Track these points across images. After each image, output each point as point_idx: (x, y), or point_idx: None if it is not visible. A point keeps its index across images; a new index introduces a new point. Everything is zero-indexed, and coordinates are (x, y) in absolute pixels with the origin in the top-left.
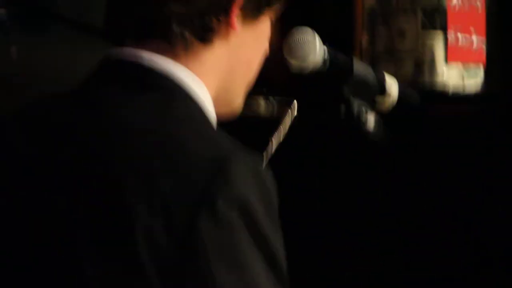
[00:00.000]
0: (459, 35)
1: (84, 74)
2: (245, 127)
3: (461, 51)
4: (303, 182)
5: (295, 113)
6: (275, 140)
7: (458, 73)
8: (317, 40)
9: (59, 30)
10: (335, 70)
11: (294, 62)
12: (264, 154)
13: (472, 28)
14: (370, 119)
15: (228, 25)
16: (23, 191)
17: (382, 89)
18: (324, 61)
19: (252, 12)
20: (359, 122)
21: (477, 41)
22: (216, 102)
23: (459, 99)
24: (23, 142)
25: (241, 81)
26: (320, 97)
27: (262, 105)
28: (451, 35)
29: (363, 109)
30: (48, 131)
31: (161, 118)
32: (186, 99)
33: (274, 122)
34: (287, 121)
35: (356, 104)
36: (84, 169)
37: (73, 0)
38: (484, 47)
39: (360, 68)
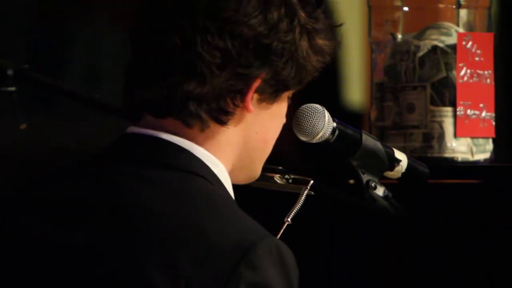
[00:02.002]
0: (468, 110)
1: (95, 148)
2: (261, 202)
3: (470, 126)
4: (311, 255)
5: (312, 192)
6: (289, 219)
7: (467, 147)
8: (326, 115)
9: (67, 106)
10: (344, 143)
11: (303, 138)
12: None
13: (481, 104)
14: (379, 193)
15: (244, 107)
16: (40, 273)
17: (391, 163)
18: (333, 134)
19: (269, 95)
20: (367, 195)
21: (486, 116)
22: (234, 174)
23: (469, 173)
24: (37, 223)
25: (257, 158)
26: (329, 171)
27: (279, 182)
28: (460, 110)
29: (372, 182)
30: (62, 210)
31: (180, 199)
32: (204, 175)
33: (288, 198)
34: (302, 199)
35: (364, 177)
36: (102, 251)
37: (81, 76)
38: (493, 121)
39: (369, 142)
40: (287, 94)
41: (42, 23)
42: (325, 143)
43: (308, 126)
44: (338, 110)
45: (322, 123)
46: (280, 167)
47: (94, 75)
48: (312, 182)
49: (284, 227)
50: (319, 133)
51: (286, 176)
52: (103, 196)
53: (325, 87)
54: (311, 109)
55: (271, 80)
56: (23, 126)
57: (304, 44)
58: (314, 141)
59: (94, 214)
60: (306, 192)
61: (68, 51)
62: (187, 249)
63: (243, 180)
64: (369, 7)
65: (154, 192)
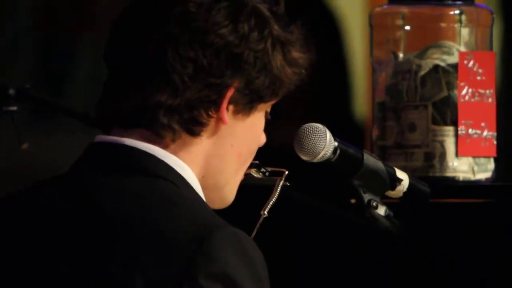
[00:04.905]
0: (470, 129)
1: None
2: (238, 196)
3: (471, 145)
4: (309, 271)
5: (287, 183)
6: (266, 211)
7: (469, 166)
8: (328, 135)
9: (68, 125)
10: (345, 163)
11: (304, 157)
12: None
13: (483, 123)
14: (380, 212)
15: (218, 118)
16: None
17: (392, 183)
18: (335, 153)
19: (244, 106)
20: (369, 215)
21: (487, 135)
22: (205, 188)
23: (470, 193)
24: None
25: (230, 171)
26: (330, 190)
27: (255, 175)
28: (461, 129)
29: (373, 202)
30: (31, 218)
31: (139, 203)
32: (169, 177)
33: (265, 191)
34: (277, 191)
35: (366, 197)
36: (68, 254)
37: (81, 95)
38: (494, 141)
39: (371, 161)
40: (263, 107)
41: (44, 43)
42: (326, 162)
43: (310, 145)
44: (340, 128)
45: (324, 143)
46: (256, 162)
47: (95, 93)
48: (286, 173)
49: (261, 220)
50: (320, 153)
51: (263, 170)
52: (70, 208)
53: (328, 105)
54: (312, 128)
55: (245, 90)
56: (25, 146)
57: (278, 55)
58: (316, 160)
59: (59, 225)
60: (281, 183)
61: (69, 70)
62: (145, 251)
63: (216, 201)
64: (371, 27)
65: (115, 198)
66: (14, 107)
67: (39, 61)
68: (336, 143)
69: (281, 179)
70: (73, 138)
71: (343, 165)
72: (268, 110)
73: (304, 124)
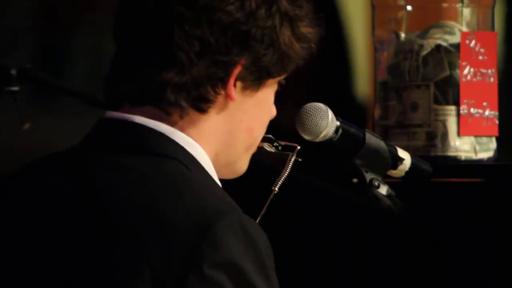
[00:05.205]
0: (472, 109)
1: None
2: (249, 170)
3: (473, 125)
4: (309, 252)
5: (299, 158)
6: (277, 186)
7: (471, 145)
8: (330, 114)
9: (69, 106)
10: (347, 142)
11: (306, 137)
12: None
13: (485, 102)
14: (382, 191)
15: (226, 95)
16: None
17: (394, 162)
18: (336, 132)
19: (252, 82)
20: (371, 194)
21: (489, 114)
22: (217, 164)
23: (472, 172)
24: (7, 206)
25: (241, 146)
26: (332, 170)
27: (267, 150)
28: (463, 109)
29: (375, 181)
30: (34, 193)
31: (148, 185)
32: (178, 157)
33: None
34: (289, 166)
35: (368, 176)
36: (71, 234)
37: (83, 75)
38: (496, 120)
39: (373, 141)
40: (272, 83)
41: (45, 23)
42: (328, 142)
43: (312, 125)
44: (342, 108)
45: (326, 122)
46: (269, 135)
47: (96, 74)
48: (298, 147)
49: (272, 196)
50: (322, 132)
51: (275, 144)
52: (74, 185)
53: (330, 85)
54: (314, 108)
55: (252, 67)
56: (27, 126)
57: (286, 31)
58: (318, 140)
59: (62, 202)
60: (293, 159)
61: (70, 50)
62: (150, 239)
63: (227, 174)
64: (373, 6)
65: (119, 182)
66: (16, 87)
67: (41, 41)
68: (338, 123)
69: (293, 155)
70: (75, 119)
71: (345, 144)
72: (278, 84)
73: (306, 104)
